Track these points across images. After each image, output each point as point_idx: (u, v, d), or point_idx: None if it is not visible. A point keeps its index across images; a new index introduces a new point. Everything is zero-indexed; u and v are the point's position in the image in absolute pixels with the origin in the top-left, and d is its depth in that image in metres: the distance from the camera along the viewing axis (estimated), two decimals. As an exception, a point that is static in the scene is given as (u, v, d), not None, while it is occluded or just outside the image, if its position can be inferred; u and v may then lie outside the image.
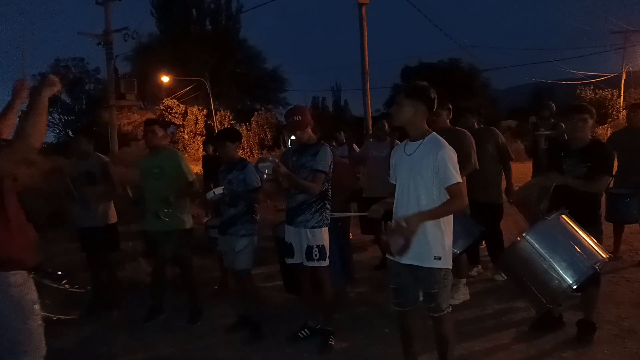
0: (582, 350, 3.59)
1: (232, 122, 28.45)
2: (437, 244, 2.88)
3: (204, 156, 6.41)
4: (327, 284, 3.92)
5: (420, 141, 2.94)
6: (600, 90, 29.49)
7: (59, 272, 3.23)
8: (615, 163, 5.64)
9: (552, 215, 3.47)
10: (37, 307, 2.59)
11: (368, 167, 6.13)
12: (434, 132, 2.97)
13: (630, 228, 5.88)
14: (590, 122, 3.73)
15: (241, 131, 27.86)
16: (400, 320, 3.15)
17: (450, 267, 2.94)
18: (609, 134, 10.26)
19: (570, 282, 3.21)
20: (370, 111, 12.94)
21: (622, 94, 28.19)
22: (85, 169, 4.77)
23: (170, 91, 27.89)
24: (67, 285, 3.22)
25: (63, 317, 3.59)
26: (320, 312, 4.04)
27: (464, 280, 4.75)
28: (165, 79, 26.20)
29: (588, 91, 29.78)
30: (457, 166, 2.86)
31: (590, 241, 3.34)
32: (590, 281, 3.55)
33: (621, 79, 28.89)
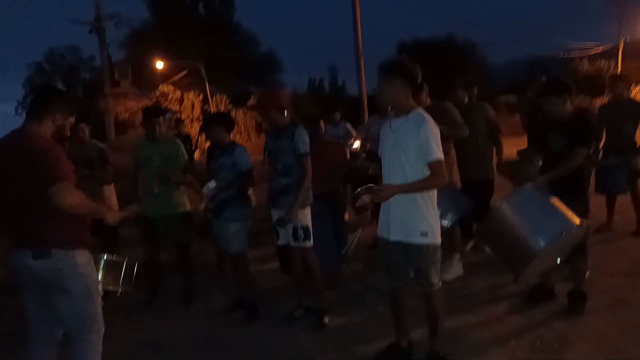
0: (573, 320, 3.64)
1: (229, 106, 28.31)
2: (423, 221, 2.90)
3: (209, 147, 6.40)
4: (313, 263, 3.95)
5: (404, 117, 2.94)
6: (597, 62, 29.26)
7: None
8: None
9: (526, 185, 3.49)
10: (100, 286, 2.79)
11: (371, 144, 6.08)
12: (419, 108, 2.96)
13: (624, 199, 5.89)
14: (560, 98, 3.66)
15: (238, 115, 27.89)
16: (392, 296, 3.19)
17: (439, 243, 2.96)
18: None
19: (541, 245, 3.22)
20: (365, 90, 12.85)
21: (619, 64, 27.96)
22: (82, 155, 4.82)
23: (165, 77, 27.69)
24: (125, 260, 3.32)
25: (124, 289, 3.67)
26: (311, 291, 4.08)
27: (457, 256, 4.78)
28: (159, 64, 26.01)
29: (585, 63, 29.56)
30: (440, 142, 2.87)
31: (564, 208, 3.34)
32: (577, 252, 3.59)
33: (618, 49, 28.61)
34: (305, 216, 3.85)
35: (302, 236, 3.86)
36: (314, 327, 3.86)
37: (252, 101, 29.13)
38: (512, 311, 3.88)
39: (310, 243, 3.91)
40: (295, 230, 3.85)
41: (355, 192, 2.89)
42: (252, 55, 33.83)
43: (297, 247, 3.91)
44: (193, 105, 27.80)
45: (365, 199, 2.81)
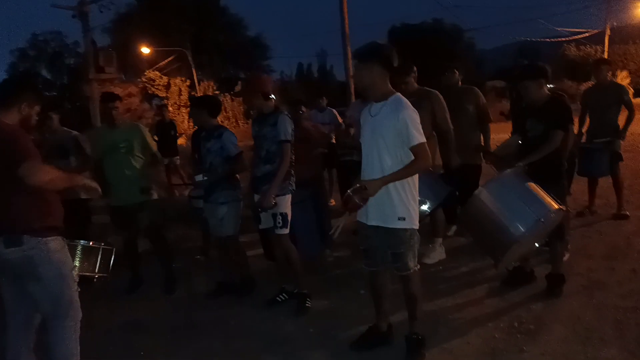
0: (551, 302, 3.69)
1: (216, 92, 28.08)
2: (401, 205, 2.90)
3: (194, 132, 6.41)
4: (290, 250, 3.95)
5: (383, 102, 2.93)
6: (584, 47, 29.39)
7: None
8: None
9: (505, 172, 3.53)
10: (74, 272, 2.79)
11: (355, 130, 6.06)
12: (398, 93, 2.96)
13: (606, 183, 5.96)
14: (536, 82, 3.67)
15: (225, 101, 27.68)
16: (371, 280, 3.21)
17: (416, 227, 2.97)
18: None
19: (520, 232, 3.28)
20: (352, 75, 12.79)
21: (606, 49, 28.09)
22: (55, 144, 4.75)
23: (151, 62, 27.37)
24: (101, 244, 3.29)
25: (101, 275, 3.63)
26: (292, 277, 4.09)
27: (440, 240, 4.81)
28: (145, 50, 25.71)
29: (572, 48, 29.69)
30: (420, 126, 2.86)
31: (542, 194, 3.38)
32: (555, 235, 3.63)
33: (605, 35, 28.72)
34: (285, 204, 3.84)
35: (280, 223, 3.85)
36: (296, 311, 3.88)
37: (239, 87, 28.96)
38: (492, 294, 3.93)
39: (286, 230, 3.89)
40: (273, 216, 3.85)
41: (344, 197, 2.90)
42: (240, 40, 33.53)
43: (276, 234, 3.91)
44: (180, 91, 27.54)
45: (356, 200, 2.81)
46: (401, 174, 2.84)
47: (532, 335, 3.24)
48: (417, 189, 3.00)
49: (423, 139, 2.85)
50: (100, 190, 2.87)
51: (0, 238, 2.52)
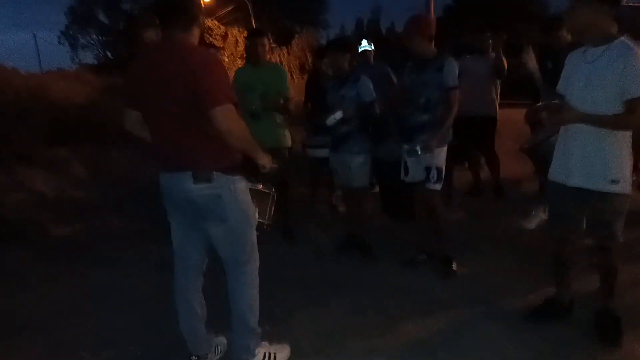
0: None
1: (273, 45, 27.58)
2: (615, 165, 2.55)
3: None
4: (439, 208, 3.69)
5: (605, 47, 2.52)
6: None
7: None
8: None
9: None
10: (256, 215, 2.55)
11: (464, 84, 5.64)
12: (623, 37, 2.54)
13: None
14: None
15: (281, 55, 27.22)
16: (559, 248, 2.88)
17: (630, 194, 2.61)
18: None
19: None
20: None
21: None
22: None
23: (211, 11, 27.02)
24: (272, 191, 3.07)
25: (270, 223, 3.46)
26: (433, 237, 3.82)
27: (544, 207, 4.42)
28: (206, -2, 25.30)
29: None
30: None
31: None
32: None
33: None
34: (442, 157, 3.54)
35: (434, 178, 3.55)
36: (442, 273, 3.63)
37: (296, 40, 28.33)
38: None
39: (439, 186, 3.61)
40: (428, 170, 3.55)
41: (535, 106, 2.71)
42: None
43: (426, 189, 3.61)
44: (237, 42, 27.14)
45: (543, 115, 2.62)
46: (609, 121, 2.47)
47: None
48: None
49: None
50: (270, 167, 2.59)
51: (188, 173, 2.28)
